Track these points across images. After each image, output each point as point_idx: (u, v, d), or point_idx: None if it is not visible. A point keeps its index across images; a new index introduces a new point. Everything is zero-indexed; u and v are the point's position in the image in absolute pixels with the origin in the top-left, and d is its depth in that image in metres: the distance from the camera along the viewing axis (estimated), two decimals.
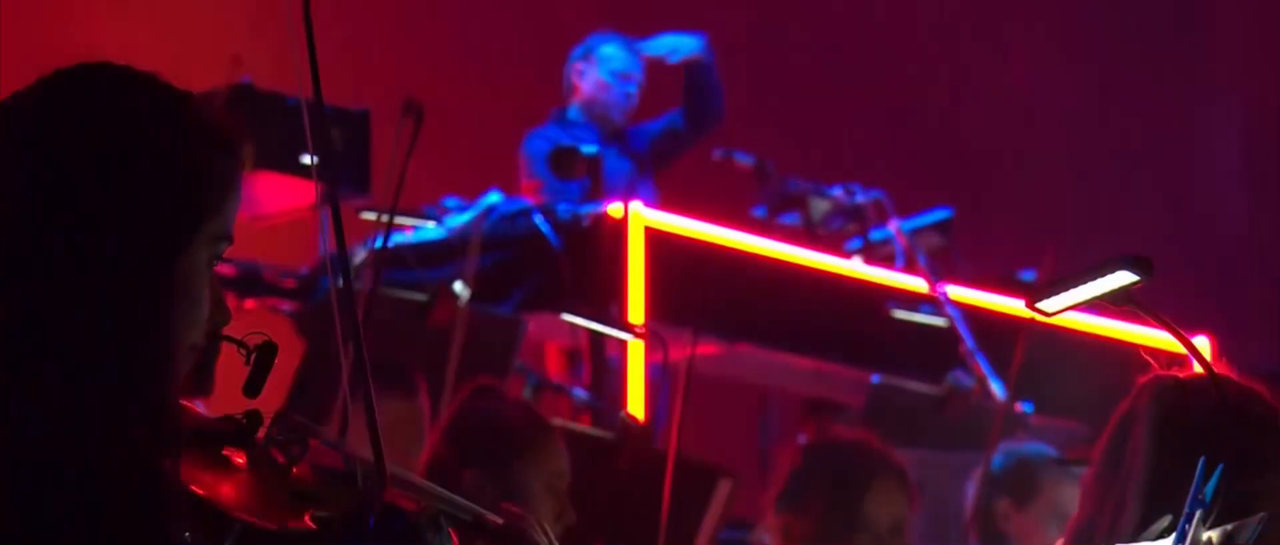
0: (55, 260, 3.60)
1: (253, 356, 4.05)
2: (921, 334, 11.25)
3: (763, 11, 17.98)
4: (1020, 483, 9.11)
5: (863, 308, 11.55)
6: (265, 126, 11.24)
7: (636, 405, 10.34)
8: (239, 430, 3.91)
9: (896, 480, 7.57)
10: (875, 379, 11.55)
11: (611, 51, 13.09)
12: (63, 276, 3.57)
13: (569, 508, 6.69)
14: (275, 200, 12.41)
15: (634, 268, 10.97)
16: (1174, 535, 4.68)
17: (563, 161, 11.31)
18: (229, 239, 3.71)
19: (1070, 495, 8.90)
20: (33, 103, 3.70)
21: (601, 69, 12.85)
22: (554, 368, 11.81)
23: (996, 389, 10.72)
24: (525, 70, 15.91)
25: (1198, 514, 4.57)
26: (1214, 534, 4.54)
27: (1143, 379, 5.66)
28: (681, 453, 7.38)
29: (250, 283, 11.65)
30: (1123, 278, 5.28)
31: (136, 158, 3.64)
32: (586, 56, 13.13)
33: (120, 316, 3.60)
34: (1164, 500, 5.27)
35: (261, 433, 3.97)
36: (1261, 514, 4.83)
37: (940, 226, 12.24)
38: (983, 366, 10.92)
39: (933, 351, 11.08)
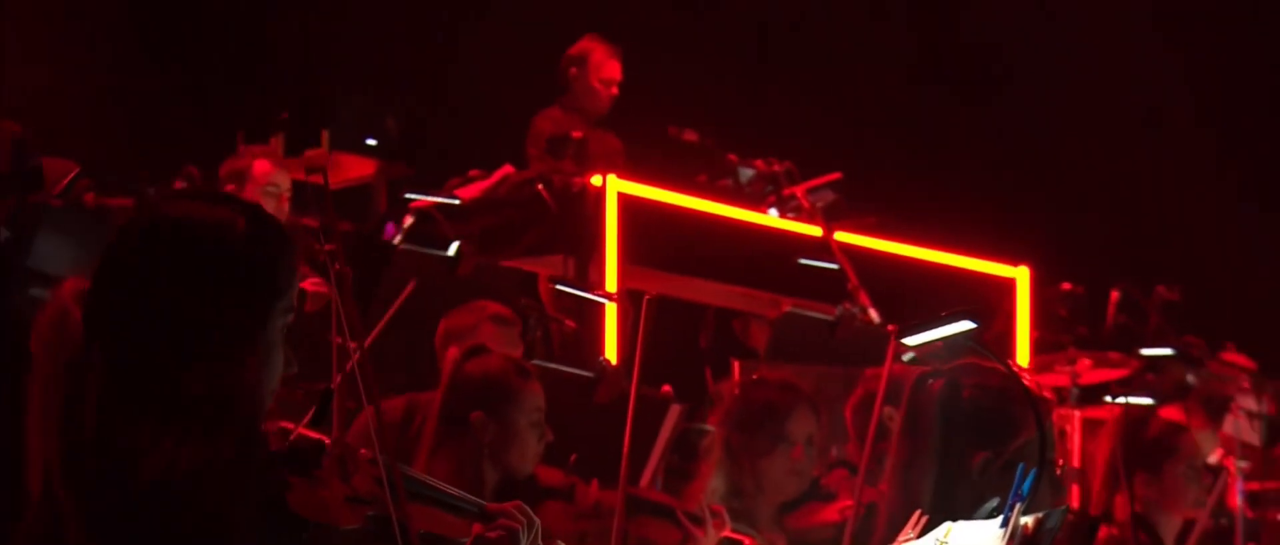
0: (188, 340, 3.76)
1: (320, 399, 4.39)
2: (820, 271, 10.78)
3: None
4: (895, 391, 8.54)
5: (777, 249, 11.19)
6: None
7: (611, 351, 10.08)
8: (301, 456, 3.98)
9: (809, 408, 7.22)
10: (785, 309, 11.00)
11: (601, 60, 12.42)
12: (191, 349, 3.73)
13: (547, 430, 6.42)
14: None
15: (609, 225, 10.80)
16: (1000, 519, 4.33)
17: (558, 143, 11.00)
18: (294, 311, 3.93)
19: None
20: (153, 240, 3.86)
21: (593, 74, 12.24)
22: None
23: (875, 315, 10.39)
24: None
25: (1018, 506, 4.24)
26: (1028, 520, 4.25)
27: (920, 376, 5.56)
28: (643, 386, 7.19)
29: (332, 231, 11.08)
30: (965, 325, 5.36)
31: (226, 271, 3.81)
32: (582, 61, 12.43)
33: (225, 375, 3.74)
34: (952, 473, 5.23)
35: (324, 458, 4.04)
36: (1063, 507, 4.75)
37: (833, 186, 12.01)
38: (865, 297, 10.54)
39: (828, 285, 10.66)
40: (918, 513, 4.65)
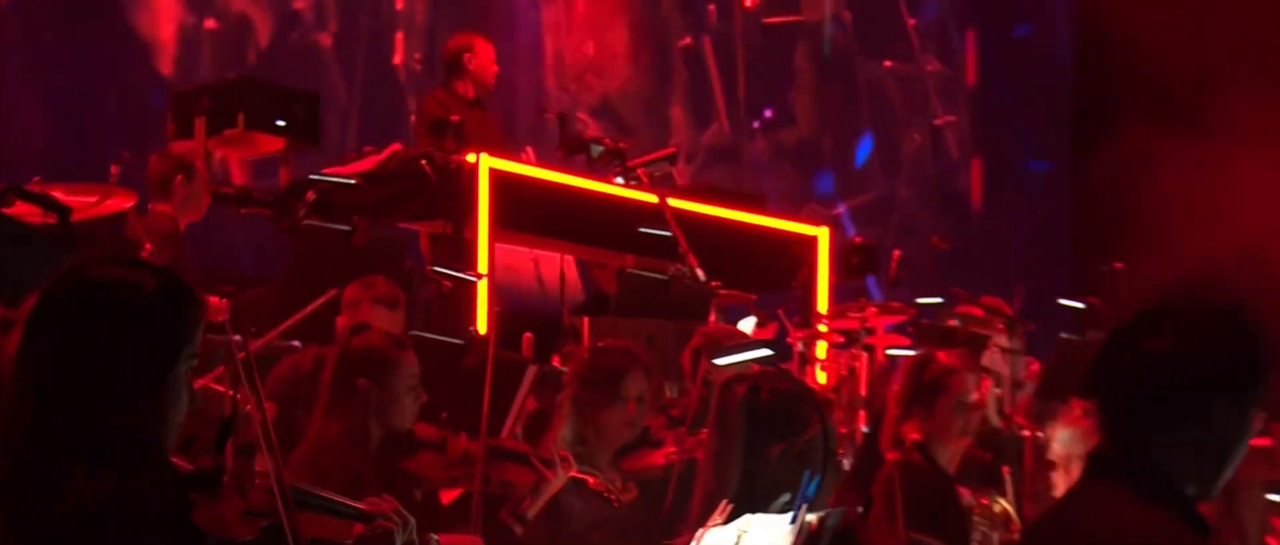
0: (103, 384, 3.78)
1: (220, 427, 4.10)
2: (657, 236, 10.43)
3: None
4: (712, 348, 8.49)
5: (621, 215, 11.01)
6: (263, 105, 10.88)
7: (481, 323, 9.89)
8: (204, 477, 3.90)
9: (641, 371, 7.11)
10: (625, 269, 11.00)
11: (484, 50, 12.28)
12: (106, 392, 3.76)
13: (421, 392, 6.44)
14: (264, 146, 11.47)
15: (482, 198, 10.64)
16: (790, 515, 4.40)
17: (439, 125, 11.02)
18: (196, 357, 3.93)
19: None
20: (75, 298, 3.86)
21: (474, 64, 12.07)
22: None
23: (701, 274, 10.08)
24: None
25: (804, 505, 4.34)
26: (813, 517, 4.30)
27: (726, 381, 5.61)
28: (500, 351, 7.24)
29: (244, 198, 11.00)
30: (765, 351, 5.40)
31: (136, 325, 3.83)
32: (469, 50, 12.23)
33: (135, 414, 3.79)
34: (754, 463, 5.24)
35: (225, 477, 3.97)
36: (840, 508, 4.71)
37: (667, 159, 12.01)
38: (693, 258, 10.13)
39: (663, 247, 10.38)
40: (725, 502, 4.71)
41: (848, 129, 18.65)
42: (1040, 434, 10.92)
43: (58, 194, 8.79)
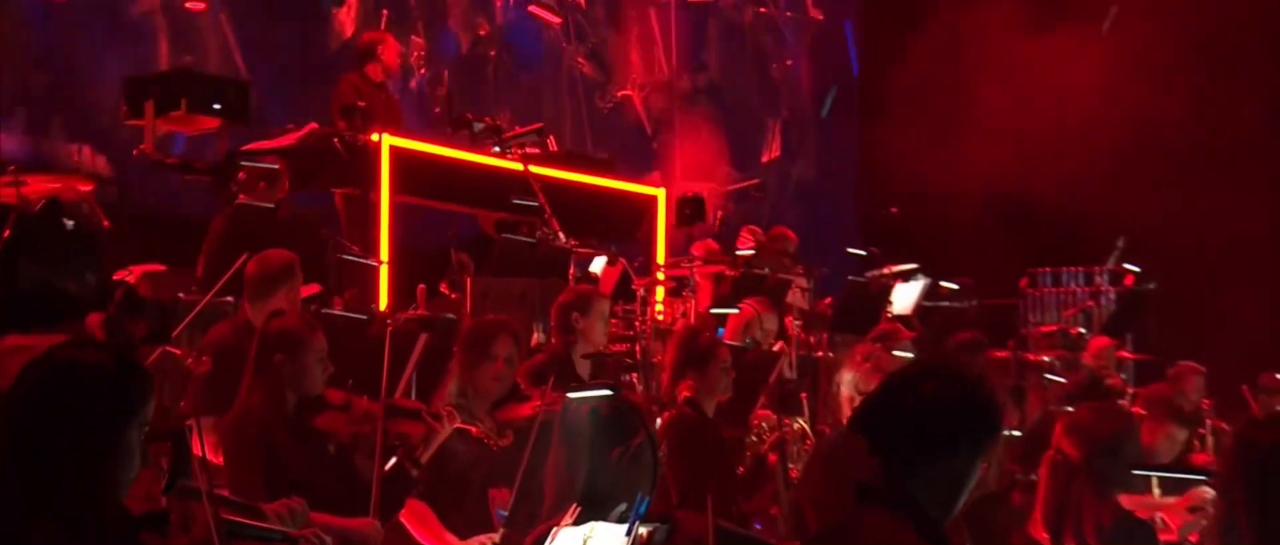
0: (66, 448, 3.69)
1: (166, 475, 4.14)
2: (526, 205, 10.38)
3: None
4: (582, 300, 8.35)
5: (497, 182, 10.86)
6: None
7: (382, 302, 9.93)
8: (154, 519, 3.87)
9: (510, 336, 6.99)
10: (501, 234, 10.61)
11: (391, 43, 12.07)
12: (69, 454, 3.67)
13: (329, 363, 6.25)
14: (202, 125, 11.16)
15: (383, 175, 10.59)
16: (627, 525, 4.36)
17: (348, 110, 10.96)
18: (148, 423, 3.83)
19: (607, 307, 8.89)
20: (47, 376, 3.76)
21: (386, 56, 11.83)
22: None
23: (563, 236, 10.11)
24: None
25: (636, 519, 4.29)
26: (644, 530, 4.24)
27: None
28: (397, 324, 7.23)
29: (186, 168, 10.90)
30: (605, 392, 5.30)
31: (96, 400, 3.72)
32: (380, 42, 12.01)
33: (92, 473, 3.71)
34: (598, 465, 5.05)
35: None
36: (670, 524, 4.66)
37: (537, 132, 11.97)
38: (556, 223, 10.17)
39: (531, 213, 10.37)
40: (573, 506, 4.65)
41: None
42: (830, 355, 11.13)
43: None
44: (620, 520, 4.26)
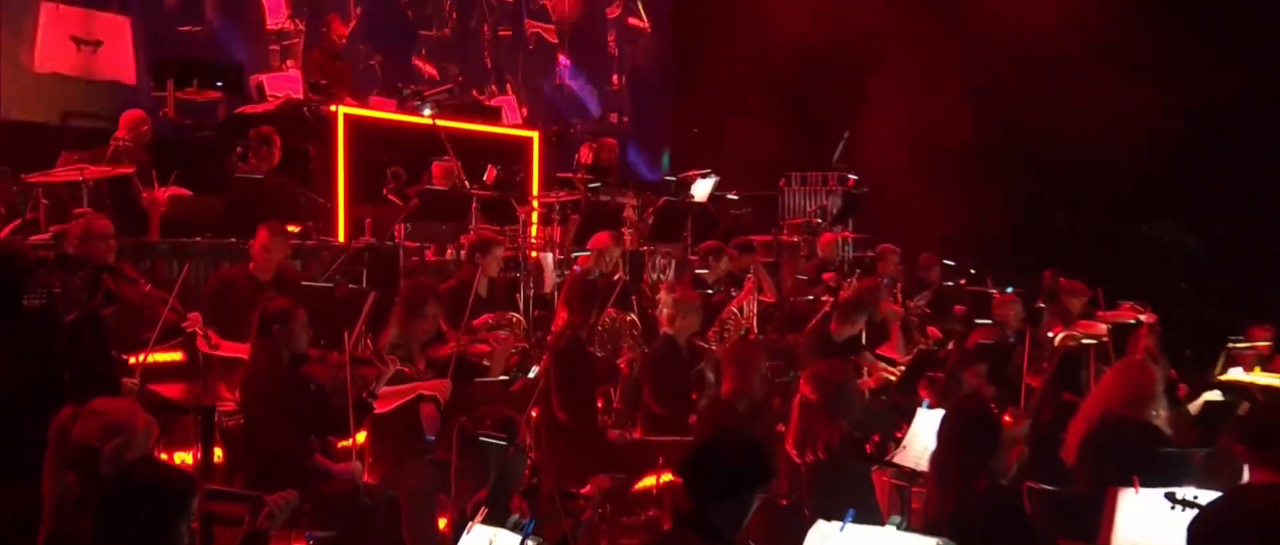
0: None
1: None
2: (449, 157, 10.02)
3: None
4: (483, 243, 7.96)
5: (426, 137, 10.34)
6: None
7: (340, 234, 9.42)
8: None
9: (436, 298, 6.81)
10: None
11: (339, 24, 11.20)
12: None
13: (309, 328, 6.07)
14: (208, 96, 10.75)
15: (340, 133, 10.18)
16: (522, 534, 4.01)
17: (314, 86, 10.57)
18: (193, 516, 3.55)
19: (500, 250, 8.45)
20: (127, 488, 3.46)
21: (334, 33, 11.03)
22: None
23: (467, 183, 9.79)
24: None
25: (532, 529, 4.01)
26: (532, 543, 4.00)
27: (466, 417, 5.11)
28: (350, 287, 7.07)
29: (197, 126, 10.59)
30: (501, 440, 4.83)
31: (162, 507, 3.47)
32: (330, 24, 11.10)
33: None
34: (497, 464, 4.82)
35: None
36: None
37: (447, 92, 11.75)
38: (462, 173, 9.87)
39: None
40: (483, 508, 4.25)
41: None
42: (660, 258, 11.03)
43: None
44: (515, 529, 3.97)
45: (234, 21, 11.86)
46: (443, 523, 6.09)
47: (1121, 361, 6.69)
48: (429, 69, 13.28)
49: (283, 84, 10.64)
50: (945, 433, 4.97)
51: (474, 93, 13.03)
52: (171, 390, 6.96)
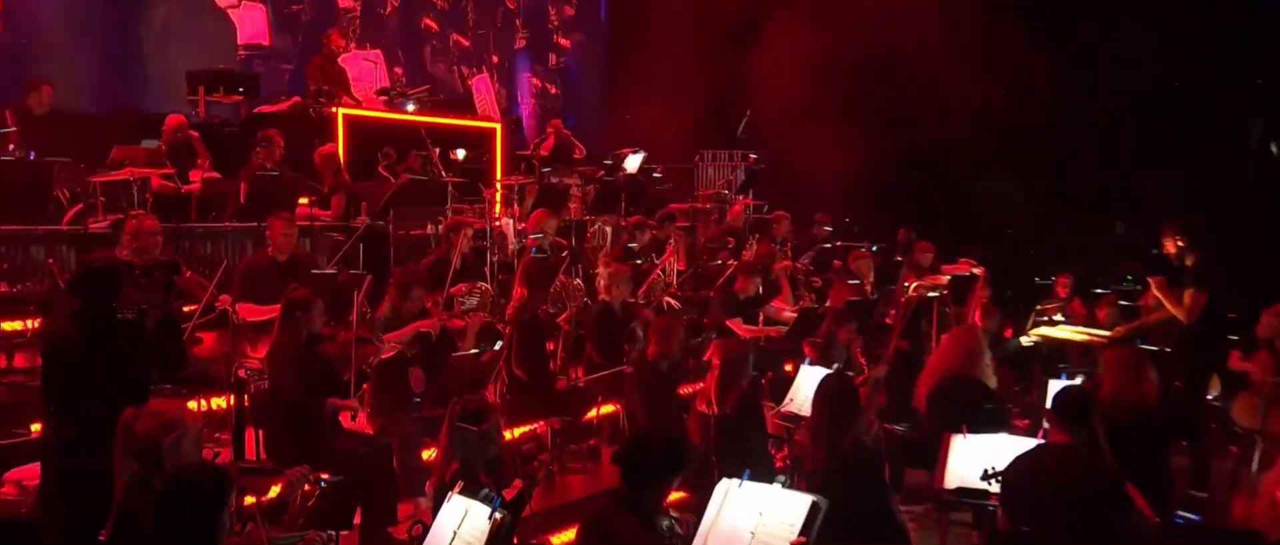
0: (189, 533, 3.29)
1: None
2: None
3: None
4: (457, 226, 7.80)
5: (411, 130, 10.21)
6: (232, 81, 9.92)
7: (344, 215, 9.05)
8: None
9: (422, 282, 6.53)
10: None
11: (338, 36, 10.83)
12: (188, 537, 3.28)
13: (324, 314, 6.01)
14: (232, 99, 10.59)
15: (340, 131, 10.06)
16: (491, 508, 3.86)
17: (316, 93, 10.43)
18: (230, 507, 3.42)
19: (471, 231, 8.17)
20: (175, 487, 3.31)
21: (333, 42, 10.65)
22: None
23: (443, 173, 9.56)
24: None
25: (499, 503, 3.85)
26: (498, 514, 3.79)
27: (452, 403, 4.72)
28: (350, 273, 7.01)
29: (223, 124, 10.30)
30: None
31: (202, 500, 3.35)
32: (330, 34, 10.86)
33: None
34: (465, 443, 4.52)
35: None
36: (511, 521, 4.05)
37: (428, 92, 11.56)
38: (439, 165, 9.66)
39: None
40: (458, 483, 4.09)
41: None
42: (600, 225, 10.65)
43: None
44: (486, 502, 3.83)
45: None
46: (428, 454, 6.10)
47: (956, 328, 6.75)
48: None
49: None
50: (817, 402, 5.07)
51: (461, 70, 12.63)
52: (205, 350, 6.98)
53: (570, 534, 5.75)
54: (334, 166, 9.07)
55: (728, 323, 8.38)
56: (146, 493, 3.72)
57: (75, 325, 4.49)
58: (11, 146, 7.65)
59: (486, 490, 3.99)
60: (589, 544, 3.86)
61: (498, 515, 3.73)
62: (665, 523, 3.89)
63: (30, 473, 4.89)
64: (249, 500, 4.10)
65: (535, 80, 15.42)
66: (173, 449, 3.93)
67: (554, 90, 15.36)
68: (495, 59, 14.19)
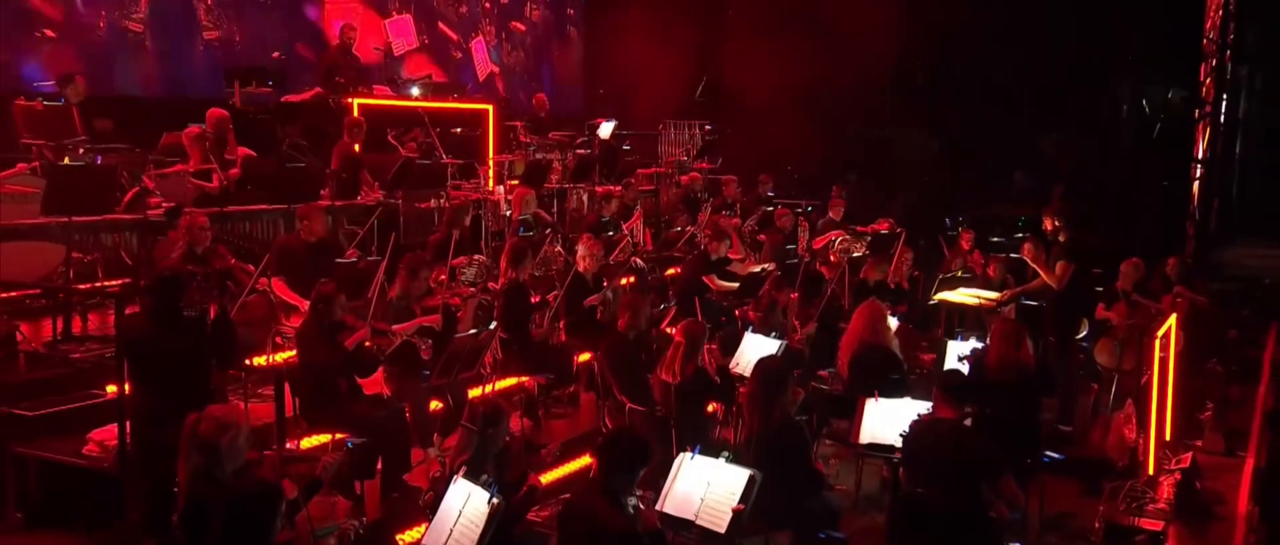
0: (257, 536, 3.23)
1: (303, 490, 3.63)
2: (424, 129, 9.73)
3: None
4: (459, 210, 7.61)
5: (415, 114, 10.05)
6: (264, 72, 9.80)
7: (358, 195, 8.64)
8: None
9: (429, 266, 6.26)
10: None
11: (349, 31, 10.31)
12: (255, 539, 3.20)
13: (347, 306, 5.77)
14: (263, 92, 10.28)
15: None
16: (490, 492, 3.77)
17: (332, 86, 10.16)
18: (283, 513, 3.36)
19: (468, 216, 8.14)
20: (244, 494, 3.23)
21: (350, 35, 10.20)
22: None
23: (443, 154, 9.41)
24: None
25: (497, 488, 3.87)
26: (496, 499, 3.80)
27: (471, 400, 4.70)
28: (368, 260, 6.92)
29: (257, 112, 9.92)
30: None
31: (267, 509, 3.29)
32: (349, 28, 10.34)
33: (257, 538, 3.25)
34: (476, 438, 4.35)
35: None
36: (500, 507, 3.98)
37: (428, 77, 11.33)
38: (440, 149, 9.46)
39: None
40: (462, 466, 4.03)
41: None
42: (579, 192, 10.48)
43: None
44: (485, 487, 3.75)
45: None
46: (434, 405, 6.11)
47: (863, 303, 6.83)
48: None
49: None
50: (754, 378, 5.19)
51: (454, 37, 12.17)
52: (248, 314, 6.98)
53: (557, 472, 5.79)
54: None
55: (703, 278, 8.35)
56: (208, 482, 3.76)
57: (150, 319, 4.67)
58: (82, 151, 7.55)
59: (487, 477, 3.94)
60: (572, 520, 3.90)
61: (495, 501, 3.71)
62: (631, 502, 3.95)
63: (110, 434, 4.92)
64: (291, 494, 4.20)
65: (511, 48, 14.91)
66: (230, 446, 3.95)
67: (526, 58, 14.96)
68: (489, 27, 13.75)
